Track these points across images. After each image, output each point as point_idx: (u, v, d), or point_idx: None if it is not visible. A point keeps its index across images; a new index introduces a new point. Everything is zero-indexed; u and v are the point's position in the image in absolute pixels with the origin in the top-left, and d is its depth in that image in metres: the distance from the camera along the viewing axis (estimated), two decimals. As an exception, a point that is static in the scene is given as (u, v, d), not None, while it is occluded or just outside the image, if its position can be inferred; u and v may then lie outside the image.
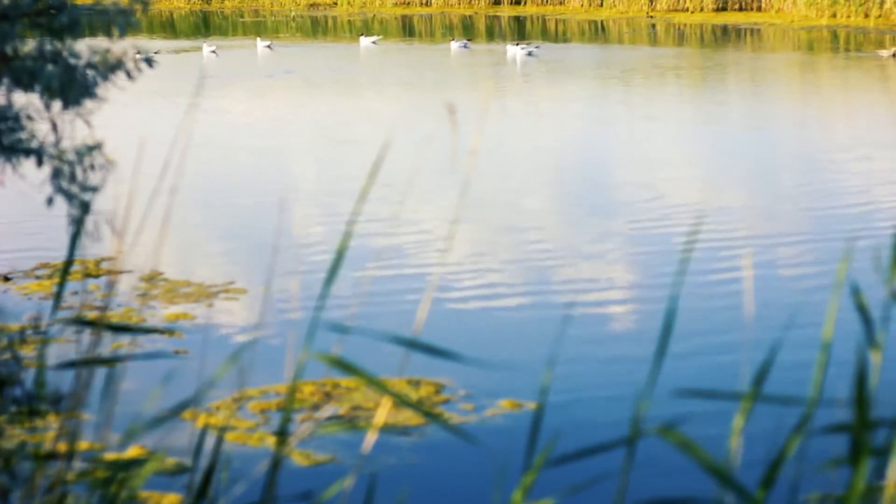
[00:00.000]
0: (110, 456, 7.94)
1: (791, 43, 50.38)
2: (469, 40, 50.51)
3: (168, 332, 11.95)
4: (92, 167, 3.83)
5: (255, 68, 42.98)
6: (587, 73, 40.06)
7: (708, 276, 14.01)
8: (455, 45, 49.12)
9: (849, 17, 56.22)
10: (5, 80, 3.84)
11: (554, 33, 57.22)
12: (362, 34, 55.28)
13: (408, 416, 9.70)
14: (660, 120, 29.24)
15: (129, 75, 3.85)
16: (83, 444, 8.06)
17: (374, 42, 52.25)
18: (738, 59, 43.76)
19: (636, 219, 17.41)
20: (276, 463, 3.01)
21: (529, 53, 45.43)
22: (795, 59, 44.35)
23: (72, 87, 3.77)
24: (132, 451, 8.65)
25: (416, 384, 10.51)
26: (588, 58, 45.17)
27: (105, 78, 3.81)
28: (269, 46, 50.70)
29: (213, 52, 48.11)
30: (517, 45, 46.70)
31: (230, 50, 50.26)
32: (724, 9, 62.74)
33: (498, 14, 67.09)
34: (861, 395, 2.43)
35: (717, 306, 12.81)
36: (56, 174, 3.82)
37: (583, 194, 19.73)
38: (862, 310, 2.60)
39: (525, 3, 69.36)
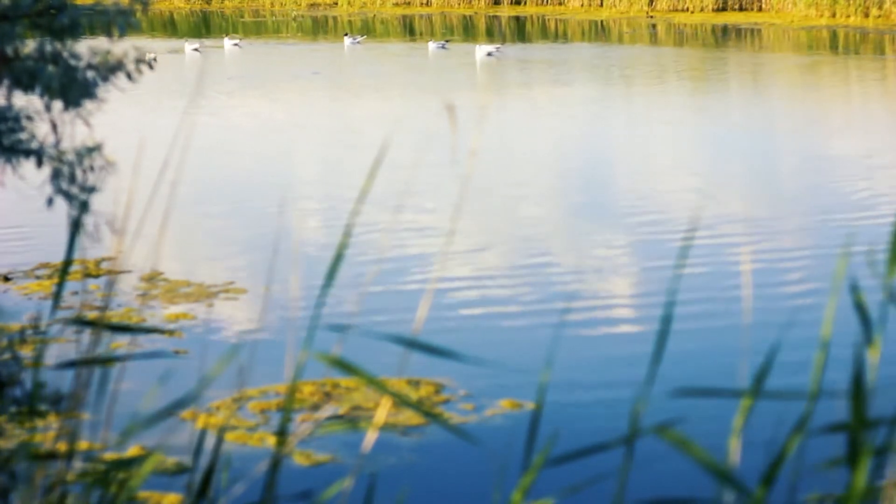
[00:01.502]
0: (110, 456, 7.94)
1: (791, 43, 50.38)
2: (447, 41, 50.37)
3: (168, 332, 11.95)
4: (92, 168, 3.84)
5: (213, 68, 42.88)
6: (543, 73, 39.87)
7: (708, 275, 14.01)
8: (433, 46, 49.02)
9: (849, 17, 56.20)
10: (5, 81, 3.85)
11: (554, 33, 57.19)
12: (346, 34, 55.22)
13: (408, 416, 9.70)
14: (608, 119, 29.25)
15: (129, 76, 3.86)
16: (83, 444, 8.06)
17: (357, 42, 52.13)
18: (739, 59, 43.75)
19: (635, 219, 17.42)
20: (276, 463, 3.01)
21: (489, 54, 45.50)
22: (797, 59, 44.34)
23: (72, 88, 3.77)
24: (132, 451, 8.65)
25: (416, 384, 10.51)
26: (557, 57, 45.06)
27: (105, 79, 3.82)
28: (237, 45, 50.37)
29: (196, 49, 47.98)
30: (479, 46, 46.93)
31: (211, 49, 50.09)
32: (724, 9, 62.72)
33: (498, 14, 67.07)
34: (858, 394, 2.43)
35: (716, 306, 12.81)
36: (56, 175, 3.83)
37: (576, 195, 19.74)
38: (860, 309, 2.60)
39: (525, 3, 69.33)
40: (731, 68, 40.75)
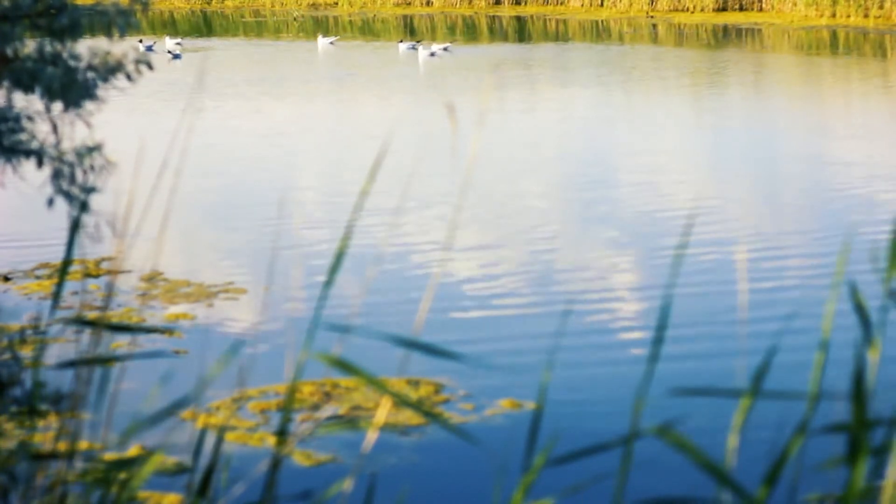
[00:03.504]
0: (110, 456, 7.94)
1: (791, 43, 50.38)
2: (418, 42, 49.92)
3: (168, 332, 11.96)
4: (92, 168, 3.84)
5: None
6: (483, 74, 39.61)
7: (709, 274, 14.02)
8: (403, 47, 48.62)
9: (849, 17, 56.21)
10: (6, 82, 3.85)
11: (554, 33, 57.20)
12: (321, 34, 54.93)
13: (408, 416, 9.70)
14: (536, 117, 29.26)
15: (129, 77, 3.86)
16: (83, 444, 8.07)
17: (331, 42, 51.85)
18: (739, 59, 43.75)
19: (636, 218, 17.42)
20: (276, 463, 3.01)
21: (432, 54, 45.43)
22: (797, 59, 44.34)
23: (72, 89, 3.77)
24: (132, 451, 8.66)
25: (415, 384, 10.51)
26: (517, 57, 44.90)
27: (105, 79, 3.82)
28: (179, 44, 49.48)
29: (150, 48, 47.54)
30: (420, 44, 47.10)
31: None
32: (724, 9, 62.72)
33: (498, 14, 67.07)
34: (858, 394, 2.44)
35: (717, 305, 12.82)
36: (56, 175, 3.83)
37: (573, 197, 19.74)
38: (859, 308, 2.60)
39: (526, 3, 69.34)
40: (732, 68, 40.76)
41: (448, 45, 47.59)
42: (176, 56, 45.10)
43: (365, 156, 22.61)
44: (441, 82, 37.50)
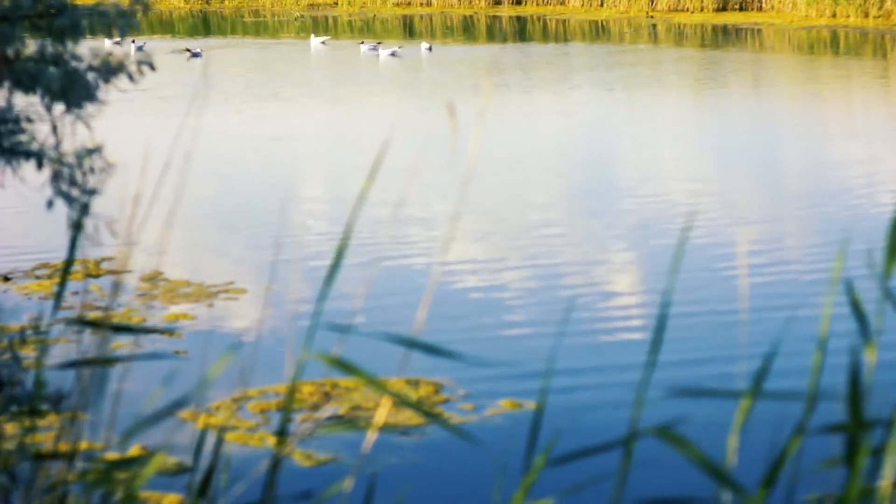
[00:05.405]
0: (111, 456, 7.95)
1: (792, 43, 50.39)
2: (378, 43, 49.66)
3: (168, 332, 11.97)
4: (92, 170, 3.85)
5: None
6: (444, 75, 39.54)
7: (709, 275, 14.02)
8: (364, 48, 48.43)
9: (848, 17, 56.19)
10: (6, 83, 3.86)
11: (554, 33, 57.20)
12: (313, 34, 54.83)
13: (408, 416, 9.71)
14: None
15: (130, 78, 3.87)
16: (83, 444, 8.07)
17: (322, 42, 51.80)
18: (739, 59, 43.75)
19: (636, 218, 17.43)
20: (276, 463, 3.02)
21: (392, 54, 45.60)
22: (797, 59, 44.34)
23: (73, 90, 3.78)
24: (133, 451, 8.67)
25: (415, 384, 10.52)
26: (502, 58, 44.88)
27: (106, 80, 3.83)
28: (139, 48, 48.97)
29: (141, 48, 47.34)
30: (377, 44, 47.39)
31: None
32: (724, 9, 62.69)
33: (498, 14, 67.06)
34: (854, 394, 2.44)
35: (717, 305, 12.82)
36: (56, 177, 3.84)
37: (573, 195, 19.75)
38: (856, 308, 2.61)
39: (525, 4, 69.31)
40: (732, 68, 40.76)
41: (430, 44, 47.66)
42: (195, 55, 45.13)
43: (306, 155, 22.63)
44: (395, 81, 37.63)
